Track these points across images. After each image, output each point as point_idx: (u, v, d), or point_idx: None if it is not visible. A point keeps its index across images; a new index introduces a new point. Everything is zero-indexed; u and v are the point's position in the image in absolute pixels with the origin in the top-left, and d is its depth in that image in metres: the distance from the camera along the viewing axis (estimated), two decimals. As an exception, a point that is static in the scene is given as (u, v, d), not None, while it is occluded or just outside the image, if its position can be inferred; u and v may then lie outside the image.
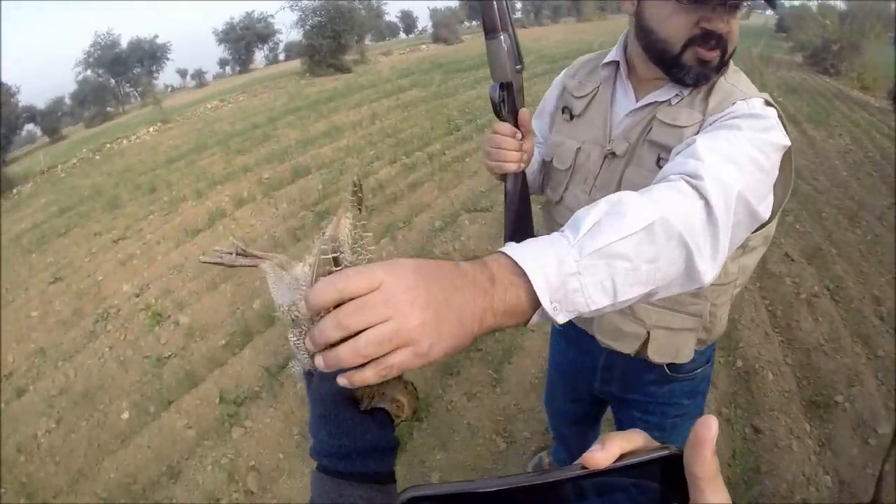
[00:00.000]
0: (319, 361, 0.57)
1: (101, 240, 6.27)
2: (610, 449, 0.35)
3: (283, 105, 13.16)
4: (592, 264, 0.65)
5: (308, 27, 19.76)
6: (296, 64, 22.85)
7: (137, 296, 4.68)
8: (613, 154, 1.24)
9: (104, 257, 5.72)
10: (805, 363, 3.27)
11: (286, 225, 5.55)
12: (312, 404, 0.66)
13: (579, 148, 1.32)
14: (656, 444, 0.37)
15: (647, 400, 1.49)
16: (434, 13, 36.77)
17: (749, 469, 2.51)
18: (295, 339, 0.64)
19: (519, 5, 39.89)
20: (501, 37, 1.05)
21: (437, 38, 28.90)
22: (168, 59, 32.75)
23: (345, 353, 0.54)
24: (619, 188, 1.22)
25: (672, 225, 0.71)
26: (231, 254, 0.73)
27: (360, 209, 0.70)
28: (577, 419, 1.90)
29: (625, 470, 0.34)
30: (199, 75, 36.10)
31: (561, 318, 0.64)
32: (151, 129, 14.38)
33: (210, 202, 6.51)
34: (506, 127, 1.14)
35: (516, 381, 3.18)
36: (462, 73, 15.25)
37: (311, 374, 0.66)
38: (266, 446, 2.88)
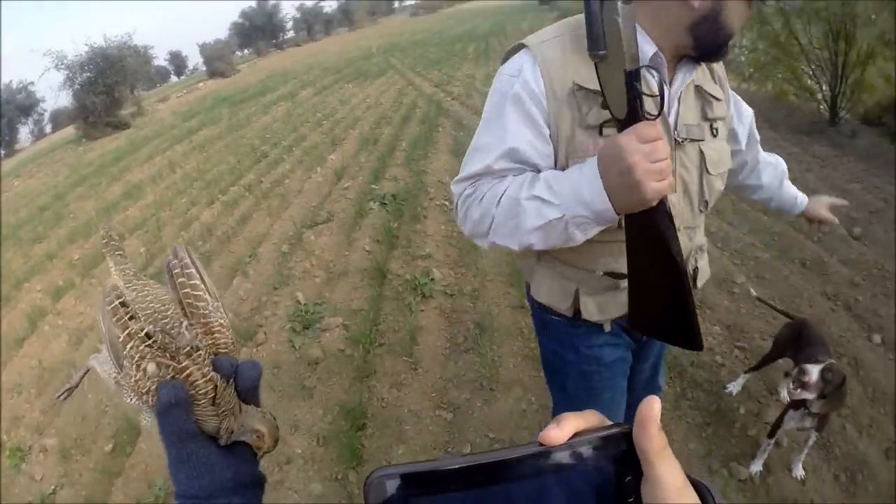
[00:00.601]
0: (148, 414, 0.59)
1: None
2: (564, 427, 0.36)
3: (67, 178, 12.04)
4: None
5: (77, 86, 17.88)
6: (68, 131, 20.81)
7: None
8: (679, 141, 1.22)
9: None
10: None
11: None
12: (167, 446, 0.60)
13: None
14: (609, 423, 0.38)
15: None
16: (204, 48, 35.60)
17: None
18: (128, 399, 0.61)
19: (290, 24, 39.46)
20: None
21: (212, 74, 28.02)
22: None
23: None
24: (704, 167, 1.27)
25: None
26: (70, 384, 0.75)
27: (120, 255, 0.69)
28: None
29: (578, 446, 0.36)
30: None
31: None
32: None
33: (23, 304, 5.75)
34: (657, 129, 0.93)
35: (430, 356, 3.33)
36: (248, 102, 15.06)
37: (167, 412, 0.58)
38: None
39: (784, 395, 2.31)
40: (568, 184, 1.05)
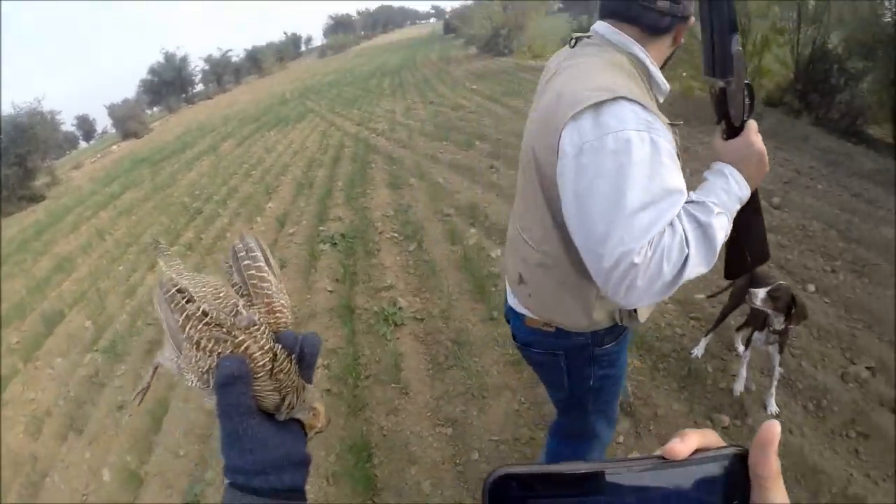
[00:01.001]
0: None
1: None
2: (688, 442, 0.37)
3: None
4: None
5: None
6: None
7: None
8: None
9: None
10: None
11: (76, 378, 4.88)
12: (222, 421, 0.61)
13: None
14: (724, 443, 0.39)
15: None
16: (113, 109, 34.58)
17: None
18: (189, 382, 0.64)
19: (199, 77, 38.73)
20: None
21: (125, 135, 27.19)
22: None
23: None
24: None
25: None
26: (142, 385, 0.77)
27: (168, 255, 0.73)
28: None
29: (698, 462, 0.37)
30: None
31: None
32: None
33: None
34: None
35: (417, 378, 3.48)
36: (169, 160, 14.72)
37: (226, 386, 0.59)
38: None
39: (740, 349, 2.96)
40: (720, 191, 1.25)
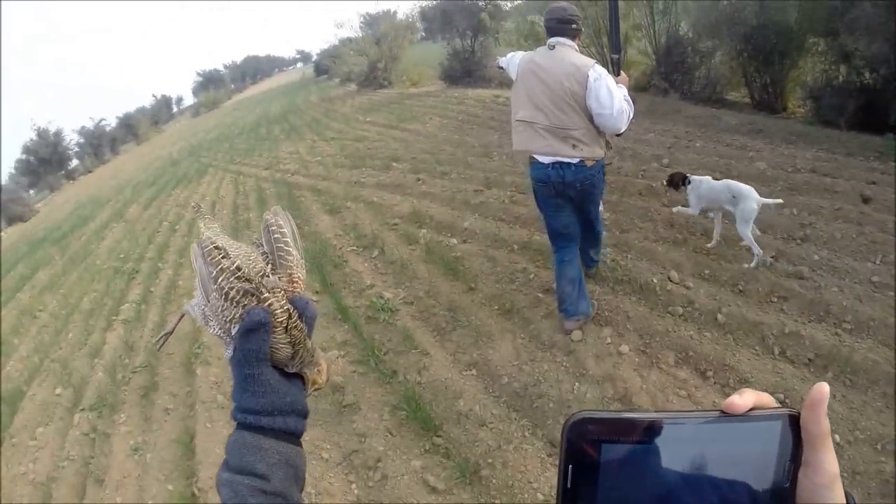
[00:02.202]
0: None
1: None
2: (746, 398, 0.40)
3: None
4: None
5: None
6: None
7: None
8: None
9: None
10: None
11: (71, 438, 4.90)
12: (239, 366, 0.68)
13: None
14: (778, 404, 0.42)
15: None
16: (-9, 195, 32.23)
17: None
18: (212, 331, 0.72)
19: (75, 151, 36.58)
20: None
21: (10, 220, 25.32)
22: None
23: None
24: None
25: None
26: (166, 330, 0.91)
27: (209, 218, 0.85)
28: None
29: (754, 419, 0.40)
30: None
31: None
32: None
33: None
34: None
35: (429, 343, 4.19)
36: (73, 235, 14.07)
37: (250, 332, 0.67)
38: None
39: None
40: (624, 88, 3.43)
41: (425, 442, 3.30)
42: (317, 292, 5.34)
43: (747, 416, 0.40)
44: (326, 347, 4.40)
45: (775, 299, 3.77)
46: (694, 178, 4.27)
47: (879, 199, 4.72)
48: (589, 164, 3.32)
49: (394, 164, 9.18)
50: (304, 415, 0.72)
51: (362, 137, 12.43)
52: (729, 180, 4.10)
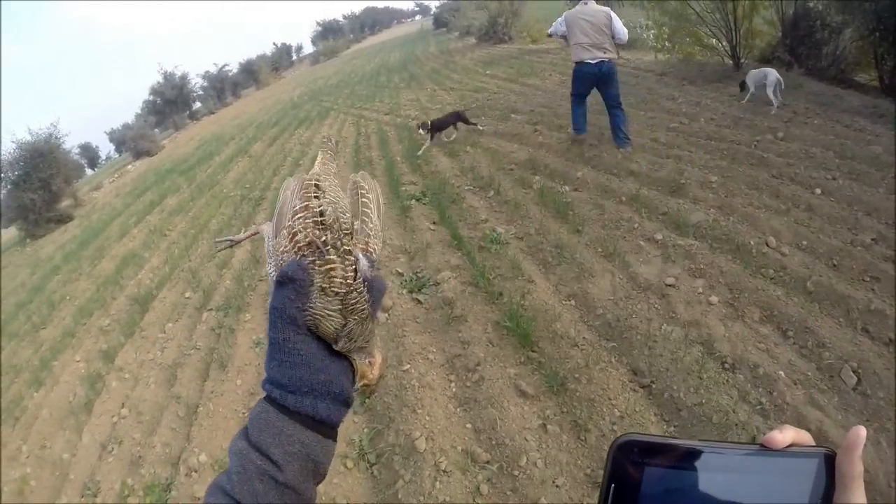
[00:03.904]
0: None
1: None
2: (786, 434, 0.41)
3: (38, 277, 10.72)
4: None
5: (10, 186, 16.88)
6: (10, 233, 19.02)
7: None
8: None
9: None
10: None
11: (199, 332, 5.26)
12: (270, 327, 0.61)
13: None
14: (814, 442, 0.43)
15: None
16: (114, 134, 34.63)
17: None
18: (268, 268, 0.68)
19: (199, 93, 38.56)
20: None
21: (138, 154, 27.33)
22: None
23: None
24: None
25: None
26: (234, 237, 0.89)
27: (331, 153, 0.82)
28: None
29: (792, 455, 0.41)
30: None
31: None
32: None
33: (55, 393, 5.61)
34: None
35: (534, 273, 4.23)
36: (199, 167, 14.62)
37: (280, 285, 0.60)
38: None
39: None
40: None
41: (521, 354, 3.56)
42: (434, 223, 5.58)
43: (785, 451, 0.41)
44: (441, 268, 4.63)
45: (868, 279, 3.63)
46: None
47: None
48: (613, 60, 6.09)
49: (512, 115, 9.16)
50: (343, 401, 0.62)
51: (482, 89, 12.44)
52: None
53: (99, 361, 5.51)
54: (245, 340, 4.73)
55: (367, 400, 3.45)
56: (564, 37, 6.22)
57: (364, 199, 0.71)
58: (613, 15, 5.92)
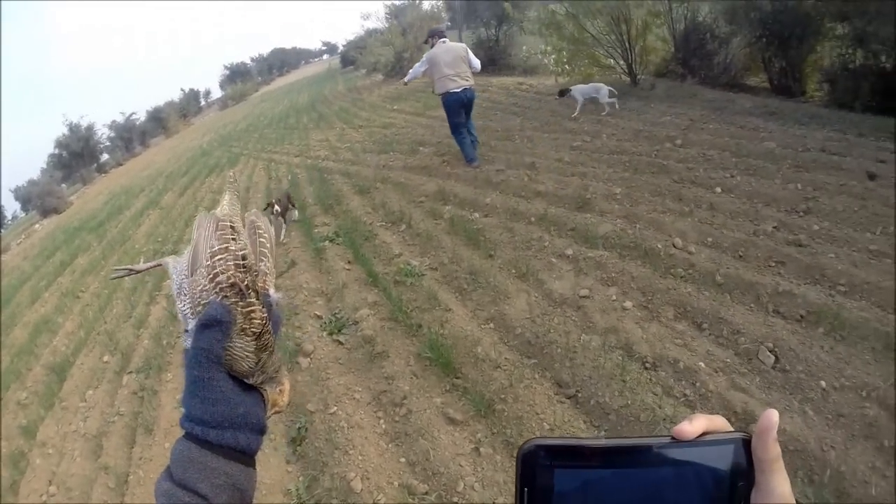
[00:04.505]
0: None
1: None
2: (696, 424, 0.41)
3: None
4: None
5: None
6: None
7: None
8: None
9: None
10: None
11: (120, 397, 5.23)
12: (191, 366, 0.62)
13: None
14: (731, 428, 0.43)
15: None
16: (18, 192, 33.03)
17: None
18: (180, 304, 0.67)
19: (105, 145, 37.15)
20: None
21: (45, 212, 26.12)
22: None
23: None
24: None
25: None
26: (133, 267, 0.86)
27: (237, 195, 0.82)
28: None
29: (704, 444, 0.41)
30: None
31: None
32: None
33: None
34: None
35: (451, 302, 4.42)
36: (109, 223, 14.37)
37: (205, 327, 0.62)
38: None
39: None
40: None
41: (446, 382, 3.70)
42: (349, 262, 5.76)
43: (699, 440, 0.41)
44: (359, 307, 4.81)
45: (773, 264, 4.02)
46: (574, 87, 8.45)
47: (886, 176, 4.90)
48: (472, 87, 6.97)
49: (420, 148, 9.48)
50: (259, 430, 0.66)
51: (389, 125, 12.74)
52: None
53: (20, 438, 5.26)
54: (169, 401, 4.72)
55: (298, 448, 3.51)
56: (424, 75, 7.27)
57: (261, 239, 0.73)
58: (468, 49, 7.00)
